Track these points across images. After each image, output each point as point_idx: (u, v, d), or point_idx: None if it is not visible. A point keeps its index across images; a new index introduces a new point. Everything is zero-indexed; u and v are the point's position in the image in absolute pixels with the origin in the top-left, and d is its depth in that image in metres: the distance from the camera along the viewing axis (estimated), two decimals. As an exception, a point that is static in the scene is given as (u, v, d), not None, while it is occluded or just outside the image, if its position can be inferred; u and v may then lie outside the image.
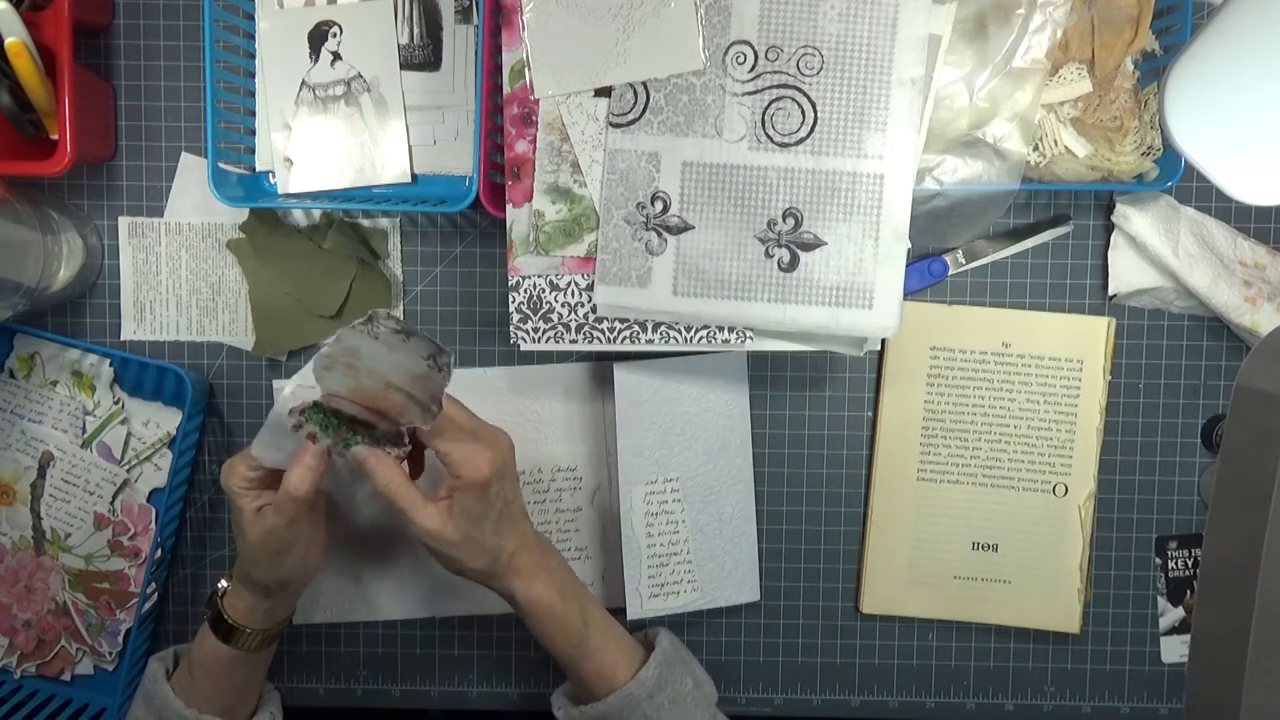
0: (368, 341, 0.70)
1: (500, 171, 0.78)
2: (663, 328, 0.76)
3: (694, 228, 0.74)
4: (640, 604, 0.84)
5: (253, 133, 0.85)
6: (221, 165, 0.81)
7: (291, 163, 0.85)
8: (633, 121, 0.74)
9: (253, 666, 0.79)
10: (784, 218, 0.73)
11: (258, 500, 0.72)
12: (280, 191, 0.85)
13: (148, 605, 0.86)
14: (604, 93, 0.74)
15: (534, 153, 0.75)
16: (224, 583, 0.77)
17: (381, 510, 0.88)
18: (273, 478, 0.72)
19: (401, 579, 0.89)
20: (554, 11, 0.74)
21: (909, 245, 0.73)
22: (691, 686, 0.79)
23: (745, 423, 0.86)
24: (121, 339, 0.88)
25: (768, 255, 0.74)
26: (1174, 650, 0.89)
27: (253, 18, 0.84)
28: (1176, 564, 0.89)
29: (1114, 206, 0.85)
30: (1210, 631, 0.53)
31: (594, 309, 0.76)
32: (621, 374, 0.83)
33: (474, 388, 0.87)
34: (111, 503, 0.88)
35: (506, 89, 0.75)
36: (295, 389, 0.71)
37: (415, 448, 0.75)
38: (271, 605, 0.77)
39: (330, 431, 0.71)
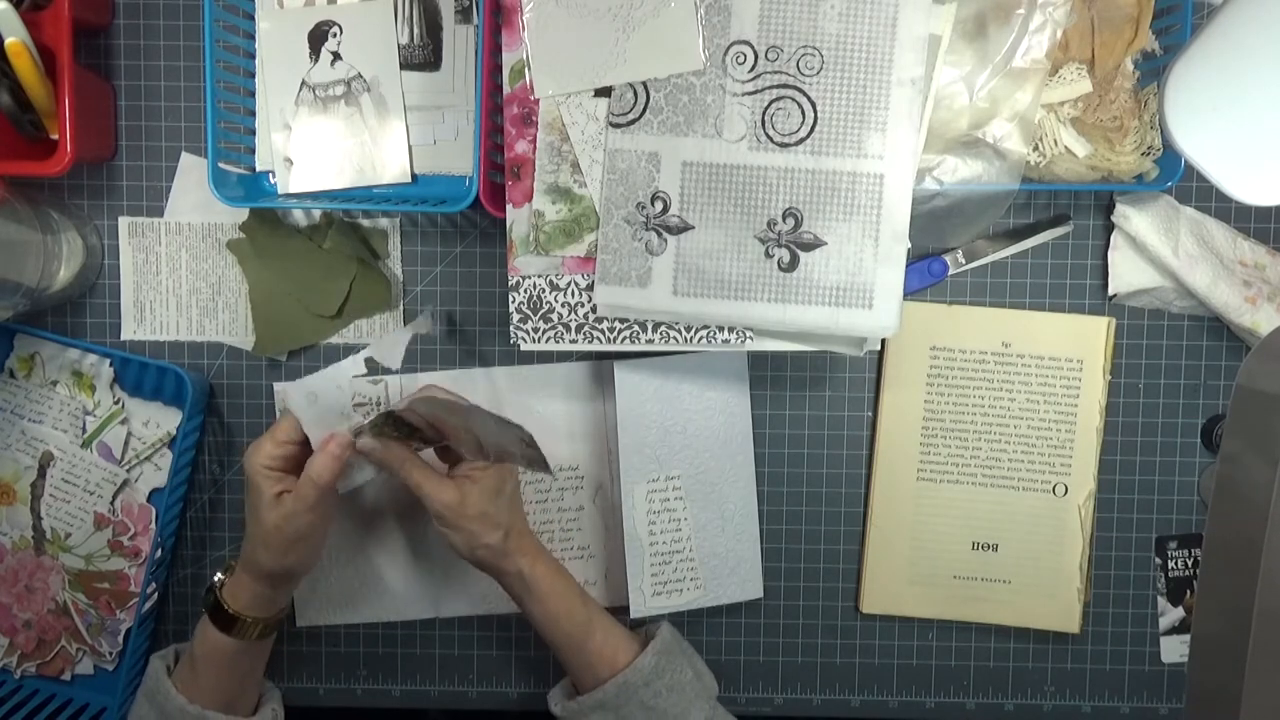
0: (489, 421, 0.73)
1: (500, 171, 0.78)
2: (663, 328, 0.76)
3: (694, 228, 0.74)
4: (643, 602, 0.84)
5: (253, 133, 0.85)
6: (221, 165, 0.81)
7: (291, 163, 0.85)
8: (633, 121, 0.74)
9: (253, 658, 0.80)
10: (784, 218, 0.73)
11: (279, 485, 0.73)
12: (280, 191, 0.85)
13: (148, 605, 0.86)
14: (604, 93, 0.74)
15: (534, 153, 0.75)
16: (220, 575, 0.78)
17: (381, 509, 0.88)
18: (294, 464, 0.74)
19: (402, 579, 0.89)
20: (554, 11, 0.73)
21: (909, 245, 0.73)
22: (691, 677, 0.79)
23: (746, 419, 0.86)
24: (121, 339, 0.88)
25: (768, 255, 0.74)
26: (1174, 650, 0.89)
27: (253, 18, 0.84)
28: (1176, 564, 0.89)
29: (1114, 206, 0.85)
30: (1210, 631, 0.53)
31: (594, 309, 0.76)
32: (622, 373, 0.83)
33: (474, 388, 0.87)
34: (111, 503, 0.88)
35: (506, 89, 0.75)
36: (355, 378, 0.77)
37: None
38: (274, 594, 0.77)
39: (388, 434, 0.75)
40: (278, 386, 0.87)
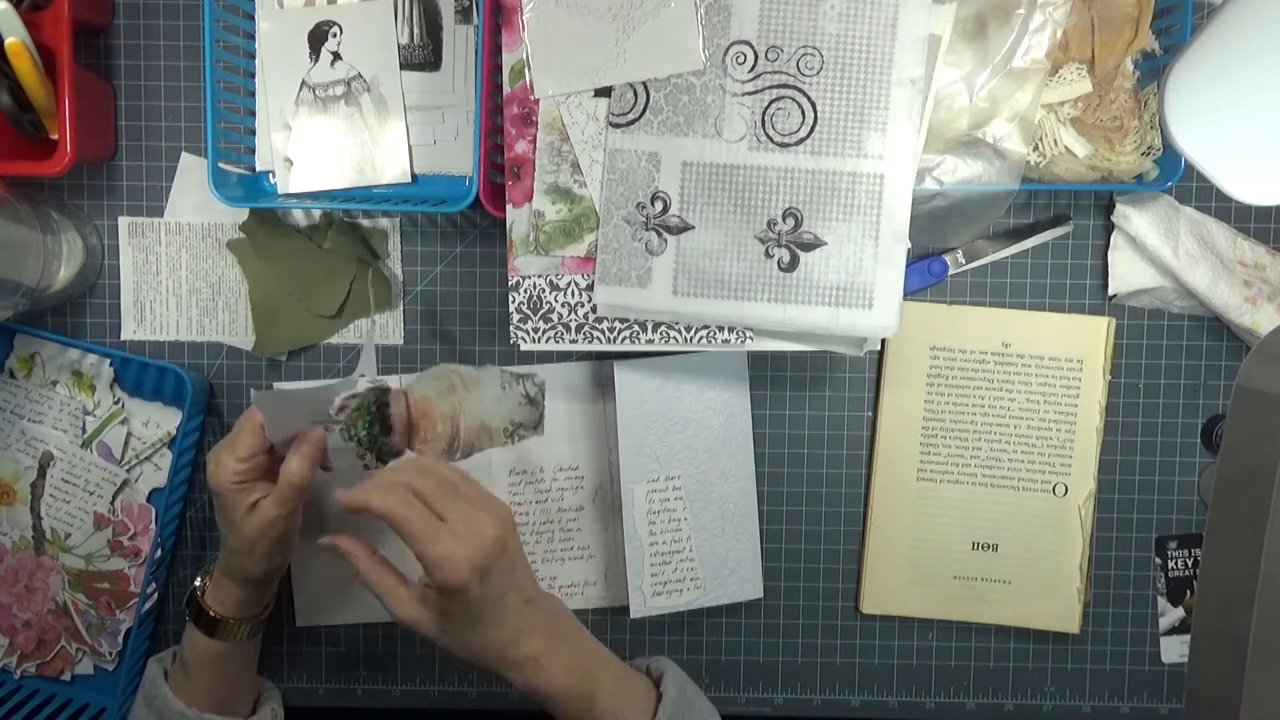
0: (495, 387, 0.72)
1: (500, 171, 0.78)
2: (663, 328, 0.76)
3: (694, 228, 0.74)
4: (643, 602, 0.84)
5: (253, 133, 0.85)
6: (221, 165, 0.81)
7: (291, 163, 0.85)
8: (633, 121, 0.74)
9: (245, 657, 0.80)
10: (784, 218, 0.74)
11: (252, 494, 0.72)
12: (280, 191, 0.85)
13: (148, 605, 0.86)
14: (604, 93, 0.74)
15: (534, 153, 0.75)
16: (200, 580, 0.78)
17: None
18: (260, 470, 0.73)
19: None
20: (554, 11, 0.74)
21: (909, 245, 0.73)
22: None
23: (746, 419, 0.86)
24: (121, 339, 0.88)
25: (768, 255, 0.74)
26: (1174, 650, 0.89)
27: (253, 18, 0.84)
28: (1176, 564, 0.89)
29: (1114, 206, 0.85)
30: (1210, 631, 0.53)
31: (594, 309, 0.76)
32: (622, 373, 0.83)
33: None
34: (111, 503, 0.88)
35: (506, 89, 0.75)
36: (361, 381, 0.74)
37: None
38: (260, 593, 0.78)
39: (361, 419, 0.73)
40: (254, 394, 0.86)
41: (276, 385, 0.88)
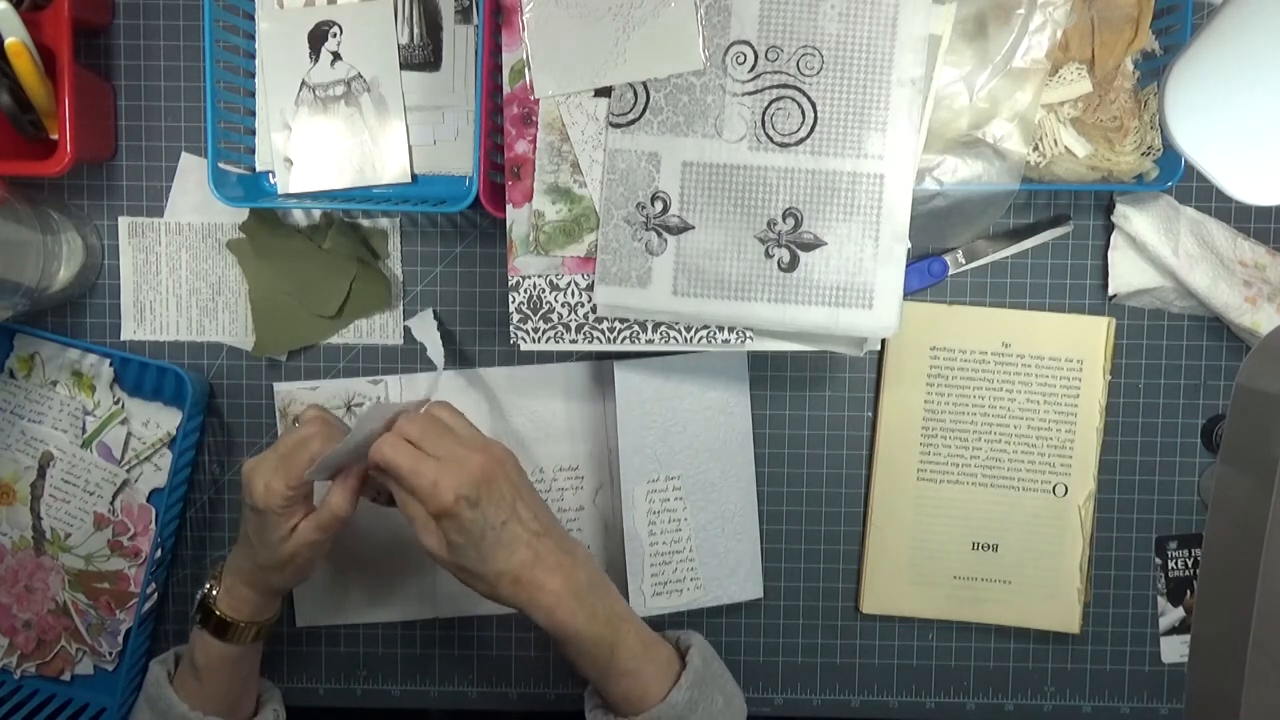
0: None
1: (500, 171, 0.78)
2: (663, 328, 0.76)
3: (694, 228, 0.74)
4: (644, 602, 0.84)
5: (253, 133, 0.85)
6: (221, 165, 0.81)
7: (291, 163, 0.85)
8: (633, 121, 0.74)
9: (253, 658, 0.80)
10: (784, 218, 0.73)
11: (294, 517, 0.72)
12: (280, 191, 0.85)
13: (148, 605, 0.86)
14: (604, 93, 0.74)
15: (534, 153, 0.75)
16: (209, 587, 0.77)
17: (381, 510, 0.88)
18: (303, 493, 0.73)
19: (403, 580, 0.89)
20: (554, 11, 0.73)
21: (909, 245, 0.73)
22: (722, 705, 0.75)
23: (746, 419, 0.86)
24: (121, 339, 0.88)
25: (768, 255, 0.74)
26: (1174, 650, 0.89)
27: (253, 18, 0.84)
28: (1176, 564, 0.89)
29: (1114, 206, 0.85)
30: (1210, 631, 0.53)
31: (594, 309, 0.76)
32: (622, 373, 0.83)
33: (474, 388, 0.87)
34: (111, 503, 0.88)
35: (506, 89, 0.75)
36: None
37: None
38: (276, 598, 0.78)
39: None
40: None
41: (297, 385, 0.88)
